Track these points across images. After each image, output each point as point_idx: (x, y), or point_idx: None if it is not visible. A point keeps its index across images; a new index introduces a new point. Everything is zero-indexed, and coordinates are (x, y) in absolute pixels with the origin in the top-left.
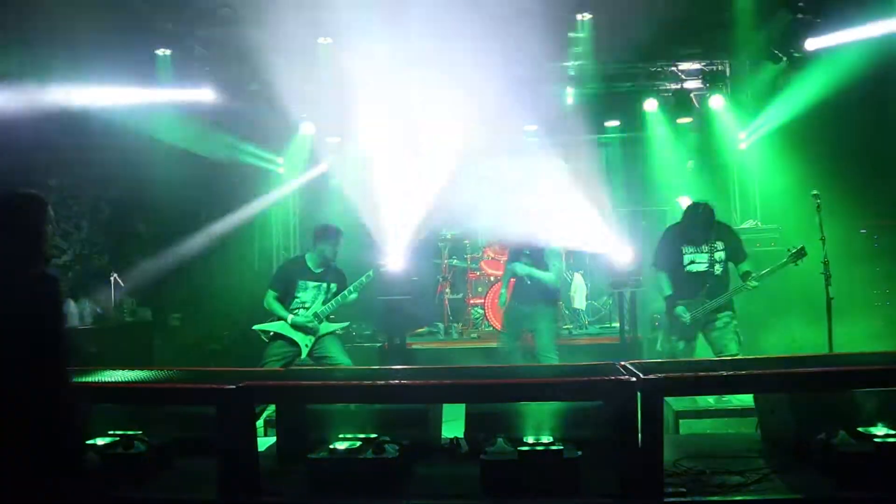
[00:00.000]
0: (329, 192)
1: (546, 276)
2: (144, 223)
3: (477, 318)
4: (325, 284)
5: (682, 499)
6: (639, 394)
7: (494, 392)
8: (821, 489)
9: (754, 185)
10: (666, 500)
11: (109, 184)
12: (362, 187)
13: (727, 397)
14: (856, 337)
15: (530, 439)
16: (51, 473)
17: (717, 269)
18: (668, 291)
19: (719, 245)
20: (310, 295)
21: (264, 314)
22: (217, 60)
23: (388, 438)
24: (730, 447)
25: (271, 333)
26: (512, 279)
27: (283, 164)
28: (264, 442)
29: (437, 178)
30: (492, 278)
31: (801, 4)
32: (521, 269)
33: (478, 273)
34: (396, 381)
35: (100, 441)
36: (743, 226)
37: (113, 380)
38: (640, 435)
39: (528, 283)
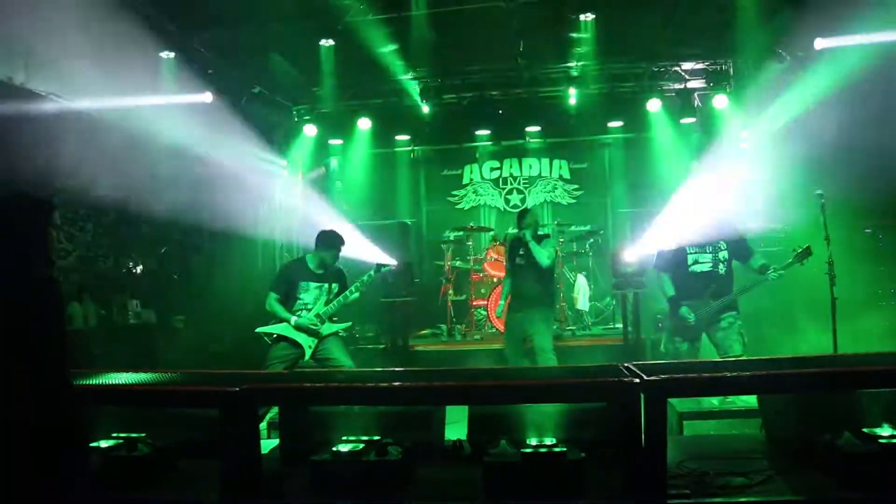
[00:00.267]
0: (332, 193)
1: (538, 251)
2: (149, 226)
3: (480, 320)
4: (326, 285)
5: (686, 500)
6: (642, 395)
7: (497, 394)
8: (825, 490)
9: (758, 185)
10: (669, 501)
11: (114, 186)
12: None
13: (731, 398)
14: (860, 337)
15: (533, 441)
16: (54, 476)
17: (722, 268)
18: (671, 293)
19: (723, 245)
20: (311, 296)
21: (267, 316)
22: (221, 63)
23: (391, 440)
24: (734, 448)
25: (274, 336)
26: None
27: (286, 165)
28: (267, 444)
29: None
30: (495, 279)
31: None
32: (527, 236)
33: (481, 274)
34: (399, 383)
35: (103, 443)
36: (747, 226)
37: (116, 382)
38: (643, 436)
39: (522, 290)
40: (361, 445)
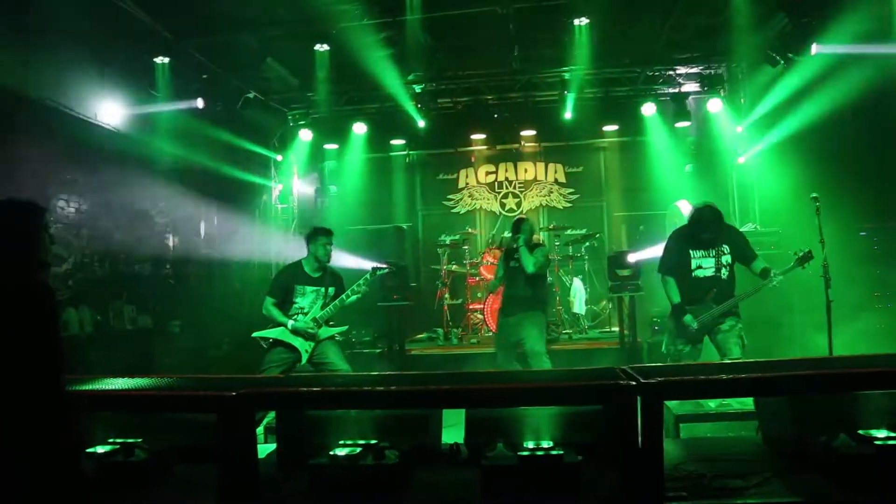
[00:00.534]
0: (328, 198)
1: (525, 258)
2: (146, 231)
3: (476, 323)
4: (322, 289)
5: (683, 502)
6: (639, 398)
7: (494, 397)
8: (822, 492)
9: (753, 188)
10: (666, 503)
11: (110, 192)
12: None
13: (727, 401)
14: (856, 339)
15: (530, 444)
16: (49, 482)
17: (724, 273)
18: (675, 298)
19: (725, 249)
20: (308, 300)
21: (264, 321)
22: (216, 68)
23: (388, 444)
24: (730, 450)
25: (271, 340)
26: (500, 293)
27: (281, 169)
28: (264, 448)
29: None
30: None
31: (797, 9)
32: (520, 241)
33: (477, 278)
34: (396, 387)
35: (100, 449)
36: (742, 229)
37: (113, 387)
38: (640, 439)
39: (514, 295)
40: (358, 449)
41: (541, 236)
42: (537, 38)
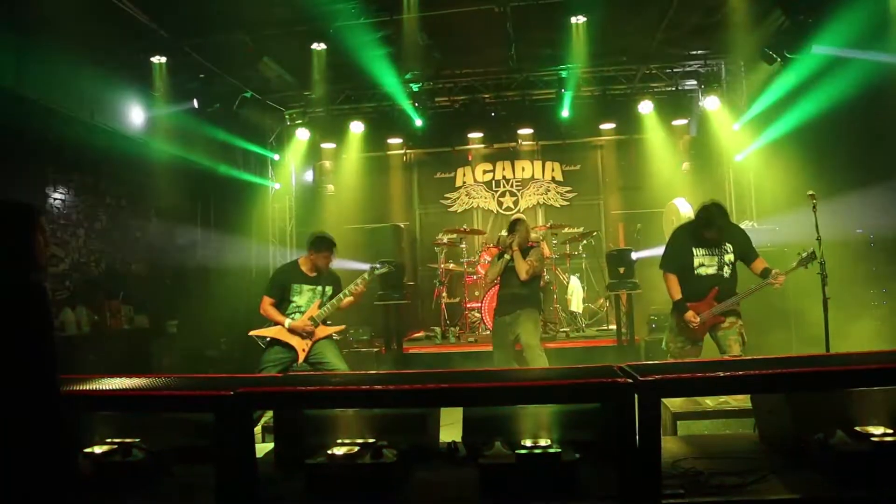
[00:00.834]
0: (324, 197)
1: (519, 265)
2: (142, 231)
3: (474, 322)
4: (320, 288)
5: (681, 500)
6: (636, 396)
7: (491, 395)
8: (819, 489)
9: (750, 186)
10: (664, 501)
11: (106, 192)
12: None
13: (725, 398)
14: (853, 336)
15: (528, 442)
16: (43, 482)
17: (727, 271)
18: (677, 295)
19: (728, 247)
20: (305, 299)
21: (261, 320)
22: (212, 68)
23: (386, 443)
24: (728, 448)
25: (268, 339)
26: (496, 290)
27: (278, 169)
28: (262, 448)
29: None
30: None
31: (794, 6)
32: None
33: (474, 277)
34: (393, 386)
35: (97, 449)
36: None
37: (110, 387)
38: (637, 437)
39: (509, 293)
40: (356, 448)
41: (539, 236)
42: (534, 36)
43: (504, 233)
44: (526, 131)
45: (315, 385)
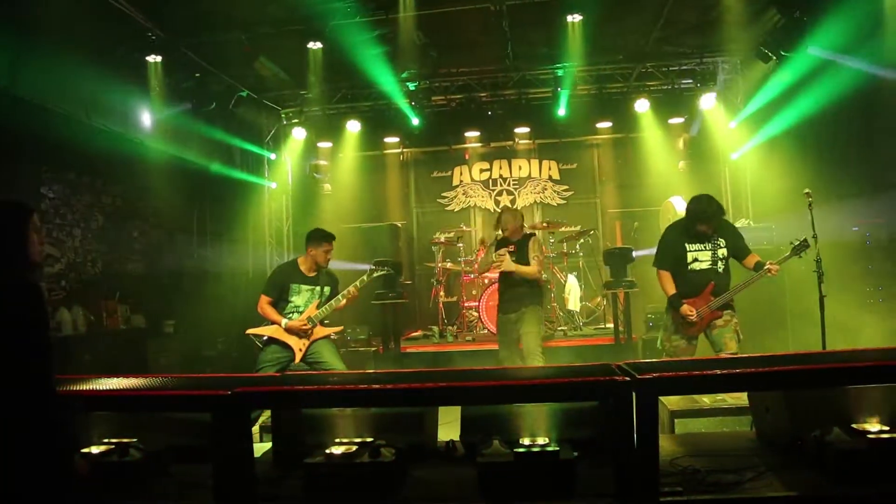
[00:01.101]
0: (321, 196)
1: (528, 270)
2: (138, 231)
3: (471, 321)
4: (318, 288)
5: (678, 498)
6: (634, 394)
7: (489, 394)
8: (815, 486)
9: (746, 184)
10: (662, 499)
11: (102, 192)
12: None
13: (722, 396)
14: (849, 334)
15: (526, 441)
16: (39, 482)
17: (721, 266)
18: (672, 290)
19: (721, 242)
20: (303, 299)
21: (258, 319)
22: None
23: (384, 442)
24: (725, 445)
25: (265, 338)
26: (493, 289)
27: (275, 168)
28: (260, 447)
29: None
30: (486, 281)
31: (789, 4)
32: (508, 265)
33: (472, 276)
34: (392, 385)
35: (94, 449)
36: (735, 225)
37: (107, 387)
38: (635, 435)
39: (511, 290)
40: (354, 447)
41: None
42: (530, 34)
43: (499, 233)
44: (523, 130)
45: (313, 384)
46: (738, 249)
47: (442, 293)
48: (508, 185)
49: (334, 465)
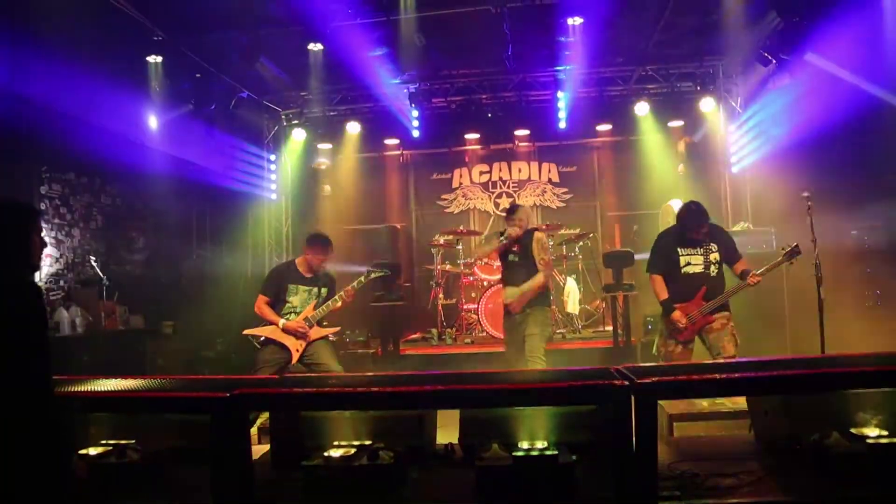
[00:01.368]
0: (321, 198)
1: (537, 281)
2: (137, 231)
3: (470, 323)
4: (315, 289)
5: (677, 502)
6: (633, 398)
7: (488, 397)
8: (814, 490)
9: (745, 187)
10: (661, 503)
11: (101, 192)
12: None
13: (720, 400)
14: (848, 337)
15: (525, 444)
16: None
17: (713, 270)
18: (664, 295)
19: (713, 246)
20: (300, 299)
21: (257, 320)
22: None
23: (382, 445)
24: (724, 449)
25: (262, 339)
26: (494, 291)
27: (274, 169)
28: (258, 449)
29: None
30: (485, 283)
31: (789, 8)
32: (511, 293)
33: (471, 278)
34: (390, 388)
35: (92, 451)
36: (734, 228)
37: (105, 389)
38: (634, 439)
39: (515, 291)
40: (353, 450)
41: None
42: (531, 37)
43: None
44: (522, 132)
45: (311, 387)
46: (730, 255)
47: (441, 295)
48: (508, 187)
49: (333, 467)
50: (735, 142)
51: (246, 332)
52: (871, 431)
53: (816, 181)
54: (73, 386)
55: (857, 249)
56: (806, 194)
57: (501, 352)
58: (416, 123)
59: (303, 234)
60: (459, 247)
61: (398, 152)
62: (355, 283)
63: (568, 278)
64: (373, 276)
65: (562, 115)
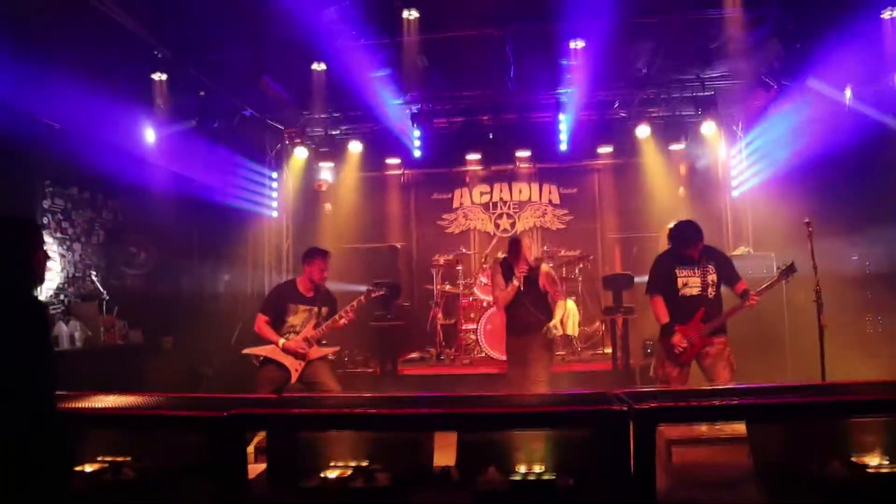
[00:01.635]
0: (322, 216)
1: (560, 311)
2: (138, 246)
3: (469, 344)
4: (315, 308)
5: None
6: (631, 423)
7: (486, 421)
8: None
9: (747, 211)
10: None
11: (103, 207)
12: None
13: (720, 425)
14: (849, 364)
15: (522, 468)
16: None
17: (711, 292)
18: (665, 318)
19: (711, 268)
20: (300, 319)
21: (256, 338)
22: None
23: (379, 466)
24: (722, 476)
25: (262, 358)
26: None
27: (276, 187)
28: (255, 469)
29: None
30: (484, 303)
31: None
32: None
33: (470, 299)
34: (388, 410)
35: (88, 467)
36: (735, 253)
37: (103, 405)
38: (632, 464)
39: (521, 315)
40: (349, 471)
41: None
42: (533, 59)
43: (500, 254)
44: (523, 153)
45: (308, 407)
46: (728, 276)
47: (440, 315)
48: (509, 208)
49: (329, 489)
50: (736, 166)
51: (245, 351)
52: (872, 460)
53: (817, 206)
54: (70, 401)
55: (858, 275)
56: (807, 220)
57: (500, 374)
58: (417, 143)
59: (303, 252)
60: (459, 267)
61: (399, 172)
62: (355, 303)
63: (567, 300)
64: (373, 295)
65: (563, 136)
